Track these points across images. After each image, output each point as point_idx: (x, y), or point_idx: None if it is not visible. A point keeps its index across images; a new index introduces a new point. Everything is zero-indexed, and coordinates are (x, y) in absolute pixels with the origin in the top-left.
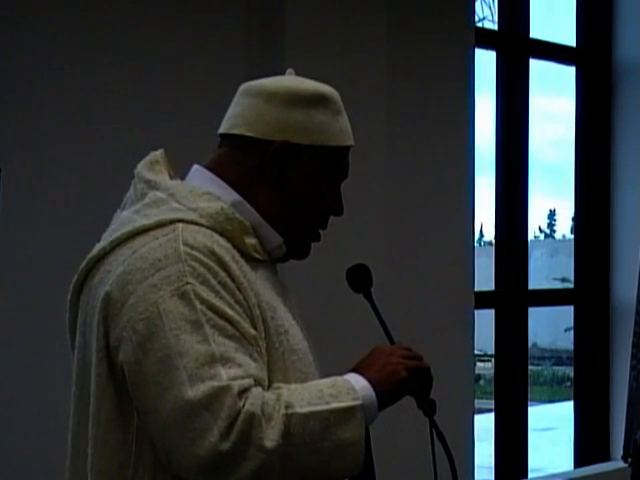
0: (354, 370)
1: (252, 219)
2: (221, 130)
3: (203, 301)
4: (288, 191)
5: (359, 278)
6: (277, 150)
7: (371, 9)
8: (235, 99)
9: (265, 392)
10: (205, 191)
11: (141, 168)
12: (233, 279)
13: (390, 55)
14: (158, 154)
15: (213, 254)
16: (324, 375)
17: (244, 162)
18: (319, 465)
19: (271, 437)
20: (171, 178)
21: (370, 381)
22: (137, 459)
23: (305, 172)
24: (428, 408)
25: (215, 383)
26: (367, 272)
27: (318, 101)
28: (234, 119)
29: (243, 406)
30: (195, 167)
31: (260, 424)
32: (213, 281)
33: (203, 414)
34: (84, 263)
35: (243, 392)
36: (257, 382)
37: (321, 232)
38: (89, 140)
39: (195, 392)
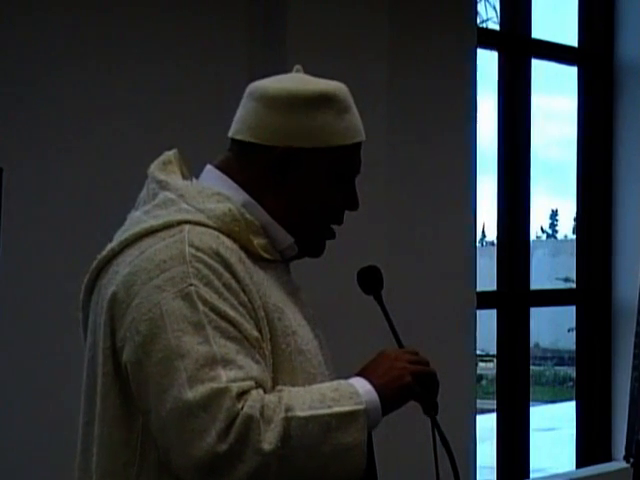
0: (359, 374)
1: (262, 219)
2: (229, 133)
3: (206, 303)
4: (295, 195)
5: (370, 280)
6: (279, 156)
7: (373, 9)
8: (242, 100)
9: (266, 395)
10: (215, 192)
11: (154, 168)
12: (238, 281)
13: (392, 55)
14: (171, 154)
15: (218, 255)
16: (334, 377)
17: (250, 167)
18: (318, 469)
19: (269, 440)
20: (184, 178)
21: (374, 385)
22: (141, 459)
23: (311, 175)
24: (433, 410)
25: (214, 385)
26: (378, 274)
27: (320, 102)
28: (238, 124)
29: (242, 408)
30: (208, 167)
31: (258, 427)
32: (217, 283)
33: (201, 415)
34: (95, 263)
35: (242, 394)
36: (258, 384)
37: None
38: (91, 140)
39: (194, 393)
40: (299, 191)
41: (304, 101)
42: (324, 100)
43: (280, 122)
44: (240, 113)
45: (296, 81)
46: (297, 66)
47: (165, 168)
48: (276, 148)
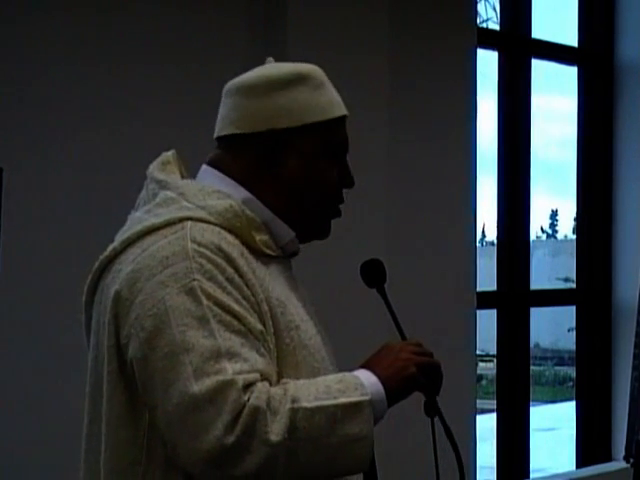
0: (364, 366)
1: (263, 215)
2: (215, 135)
3: (210, 297)
4: (290, 177)
5: (373, 273)
6: (266, 141)
7: (373, 9)
8: (221, 102)
9: (272, 387)
10: (215, 189)
11: (153, 169)
12: (241, 275)
13: (392, 55)
14: (170, 154)
15: (220, 251)
16: (337, 371)
17: (241, 160)
18: (325, 460)
19: (276, 431)
20: (183, 178)
21: (379, 377)
22: (148, 456)
23: (301, 154)
24: (433, 406)
25: (220, 377)
26: (381, 267)
27: (295, 80)
28: (221, 122)
29: (248, 400)
30: (204, 167)
31: (265, 418)
32: (220, 277)
33: (208, 408)
34: (97, 264)
35: (248, 386)
36: (264, 377)
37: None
38: (92, 140)
39: (200, 386)
40: (294, 176)
41: (279, 82)
42: (299, 79)
43: (259, 107)
44: (221, 113)
45: (269, 68)
46: (269, 58)
47: (164, 168)
48: (261, 134)
